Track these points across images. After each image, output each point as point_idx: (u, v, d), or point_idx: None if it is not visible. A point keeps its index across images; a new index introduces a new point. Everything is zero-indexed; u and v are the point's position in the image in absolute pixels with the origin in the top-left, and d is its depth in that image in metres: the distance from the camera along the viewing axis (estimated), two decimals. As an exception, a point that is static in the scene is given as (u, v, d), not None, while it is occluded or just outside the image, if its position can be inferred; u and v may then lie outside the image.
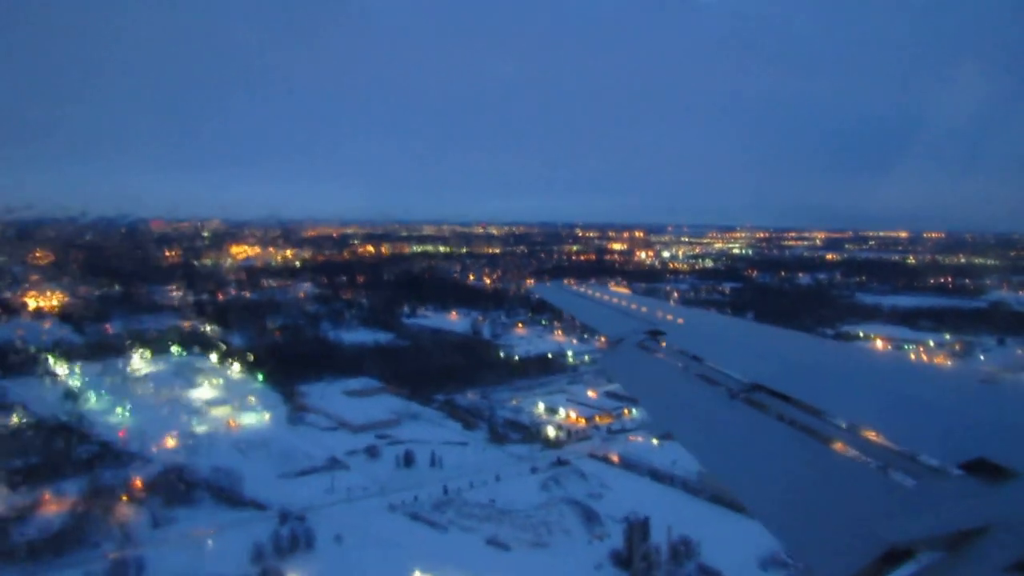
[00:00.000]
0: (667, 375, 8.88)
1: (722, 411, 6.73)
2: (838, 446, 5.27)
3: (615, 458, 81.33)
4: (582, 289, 19.54)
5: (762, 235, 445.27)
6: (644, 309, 13.47)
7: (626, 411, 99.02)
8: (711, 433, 6.75)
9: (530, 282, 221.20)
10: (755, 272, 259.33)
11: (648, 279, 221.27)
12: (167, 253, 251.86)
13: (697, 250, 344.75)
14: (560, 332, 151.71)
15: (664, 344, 9.95)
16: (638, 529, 57.62)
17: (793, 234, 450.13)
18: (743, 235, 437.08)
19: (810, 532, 4.33)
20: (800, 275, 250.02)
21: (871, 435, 5.22)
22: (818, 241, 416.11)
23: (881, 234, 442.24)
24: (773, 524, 4.63)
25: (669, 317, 12.44)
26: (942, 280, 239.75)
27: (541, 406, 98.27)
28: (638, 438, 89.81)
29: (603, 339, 12.17)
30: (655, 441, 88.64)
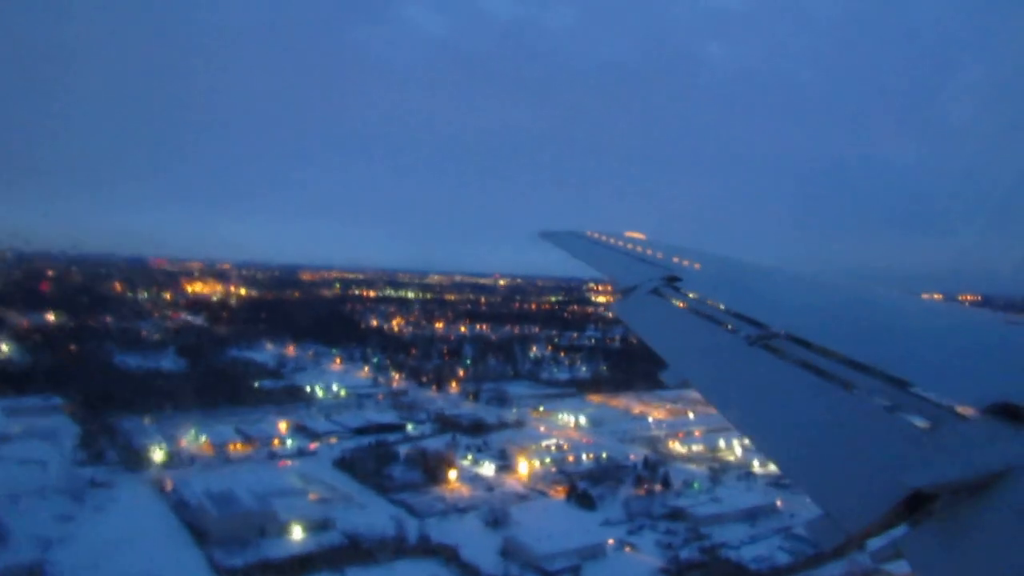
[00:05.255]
0: (683, 322, 8.65)
1: (740, 358, 6.55)
2: (859, 391, 5.03)
3: (169, 483, 75.46)
4: (596, 235, 19.13)
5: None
6: (660, 255, 13.23)
7: (276, 441, 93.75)
8: (729, 380, 6.61)
9: (462, 329, 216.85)
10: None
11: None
12: (116, 286, 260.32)
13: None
14: (367, 368, 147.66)
15: (680, 290, 9.56)
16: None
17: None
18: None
19: (831, 479, 4.19)
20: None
21: (893, 379, 4.94)
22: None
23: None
24: (793, 471, 4.55)
25: (686, 263, 12.22)
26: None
27: (191, 433, 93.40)
28: (288, 462, 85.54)
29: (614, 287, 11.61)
30: (291, 454, 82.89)
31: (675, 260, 12.27)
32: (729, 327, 7.38)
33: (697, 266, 12.09)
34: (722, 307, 8.22)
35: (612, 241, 16.80)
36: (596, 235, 19.39)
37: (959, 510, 3.27)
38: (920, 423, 4.29)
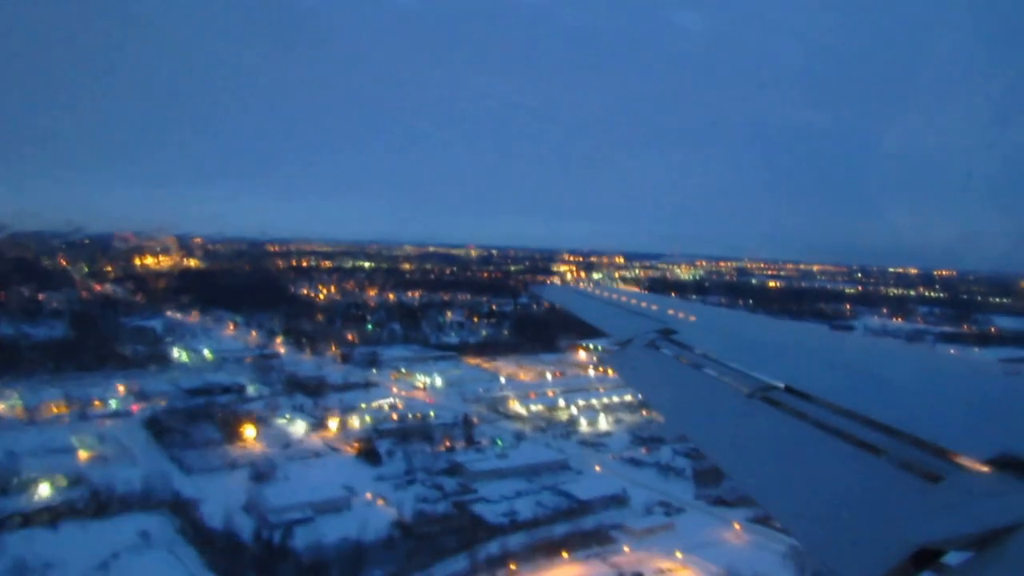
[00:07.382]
0: (680, 376, 8.56)
1: (739, 412, 6.48)
2: (862, 444, 4.92)
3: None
4: (590, 289, 19.54)
5: (729, 264, 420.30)
6: (655, 307, 13.36)
7: (97, 403, 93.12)
8: (728, 435, 6.45)
9: (391, 296, 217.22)
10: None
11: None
12: (61, 261, 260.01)
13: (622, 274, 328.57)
14: (255, 333, 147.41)
15: (677, 343, 9.55)
16: None
17: (782, 266, 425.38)
18: (721, 265, 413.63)
19: (836, 534, 4.09)
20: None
21: (895, 432, 4.86)
22: (783, 272, 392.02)
23: (890, 270, 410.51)
24: (796, 527, 4.44)
25: (681, 315, 12.30)
26: (829, 308, 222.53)
27: (13, 398, 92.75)
28: (107, 422, 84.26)
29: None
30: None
31: (670, 312, 12.30)
32: (727, 380, 7.27)
33: (692, 318, 12.07)
34: (719, 360, 8.11)
35: (604, 294, 16.76)
36: (587, 288, 19.97)
37: (967, 567, 3.16)
38: (926, 477, 4.13)
